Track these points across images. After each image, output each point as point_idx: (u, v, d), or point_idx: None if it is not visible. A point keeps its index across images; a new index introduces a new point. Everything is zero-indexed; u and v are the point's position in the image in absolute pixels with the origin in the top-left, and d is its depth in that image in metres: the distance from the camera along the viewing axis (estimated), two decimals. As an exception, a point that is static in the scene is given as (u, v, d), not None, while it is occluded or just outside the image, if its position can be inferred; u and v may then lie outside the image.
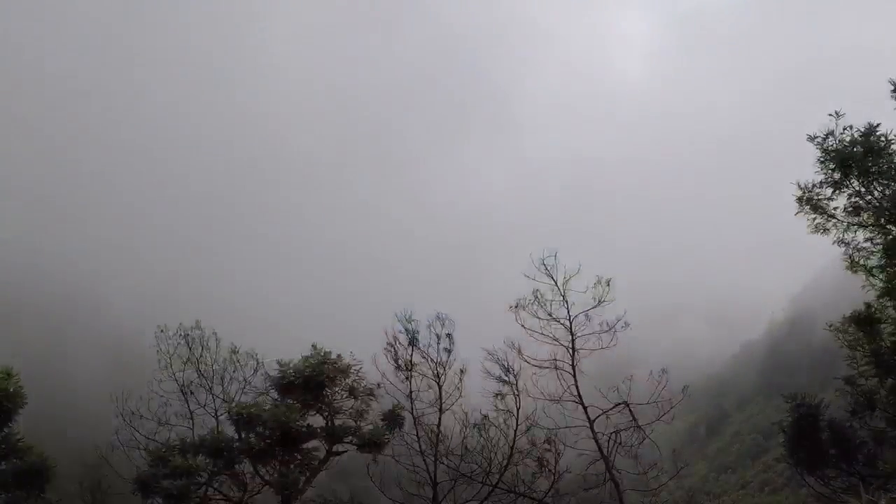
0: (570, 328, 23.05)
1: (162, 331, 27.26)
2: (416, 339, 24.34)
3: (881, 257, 22.90)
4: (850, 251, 23.59)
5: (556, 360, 23.22)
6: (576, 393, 23.07)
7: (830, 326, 23.86)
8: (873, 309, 23.15)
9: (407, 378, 24.35)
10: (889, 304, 23.05)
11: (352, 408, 25.32)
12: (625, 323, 22.57)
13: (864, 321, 23.11)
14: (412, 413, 24.43)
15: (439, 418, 24.08)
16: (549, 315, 23.03)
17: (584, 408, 23.10)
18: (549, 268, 22.90)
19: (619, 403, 23.00)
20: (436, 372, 24.22)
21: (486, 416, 23.90)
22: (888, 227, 22.49)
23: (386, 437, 24.77)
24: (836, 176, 22.95)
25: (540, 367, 23.18)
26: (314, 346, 25.17)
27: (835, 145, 22.88)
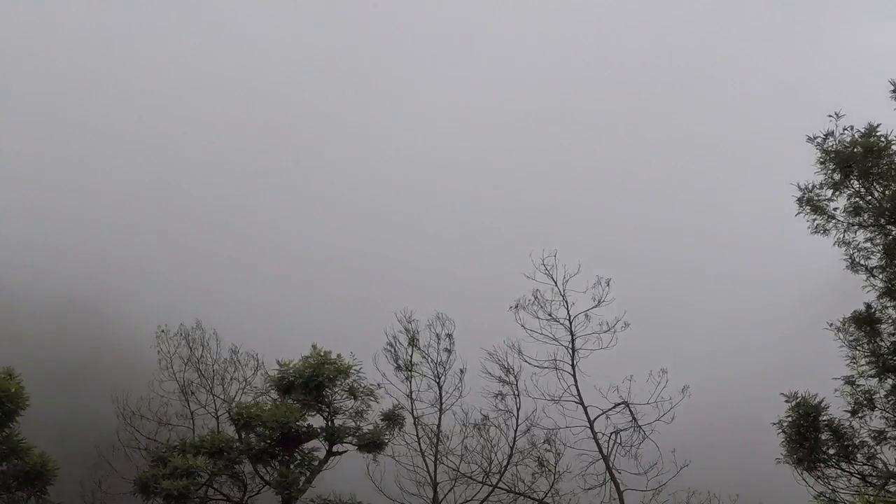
0: (570, 328, 23.08)
1: (163, 331, 27.34)
2: (416, 339, 24.43)
3: (881, 257, 22.89)
4: (851, 251, 23.59)
5: (556, 360, 23.27)
6: (576, 393, 23.11)
7: (830, 326, 23.85)
8: (873, 309, 23.14)
9: (407, 378, 24.43)
10: (889, 304, 23.04)
11: (352, 408, 25.31)
12: (625, 323, 22.63)
13: (864, 321, 23.09)
14: (412, 413, 24.49)
15: (439, 418, 24.14)
16: (549, 315, 23.08)
17: (584, 408, 23.14)
18: (548, 268, 22.97)
19: (619, 403, 23.05)
20: (436, 372, 24.31)
21: (486, 416, 23.96)
22: (888, 227, 22.47)
23: (386, 437, 24.78)
24: (836, 177, 22.90)
25: (540, 367, 23.24)
26: (314, 347, 25.17)
27: (835, 146, 22.85)
